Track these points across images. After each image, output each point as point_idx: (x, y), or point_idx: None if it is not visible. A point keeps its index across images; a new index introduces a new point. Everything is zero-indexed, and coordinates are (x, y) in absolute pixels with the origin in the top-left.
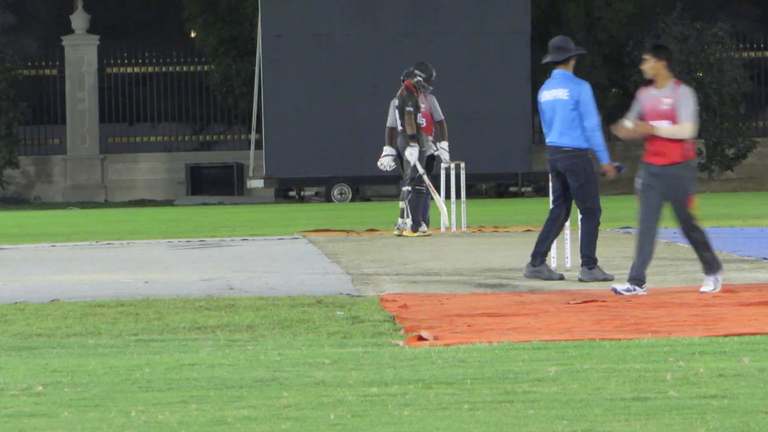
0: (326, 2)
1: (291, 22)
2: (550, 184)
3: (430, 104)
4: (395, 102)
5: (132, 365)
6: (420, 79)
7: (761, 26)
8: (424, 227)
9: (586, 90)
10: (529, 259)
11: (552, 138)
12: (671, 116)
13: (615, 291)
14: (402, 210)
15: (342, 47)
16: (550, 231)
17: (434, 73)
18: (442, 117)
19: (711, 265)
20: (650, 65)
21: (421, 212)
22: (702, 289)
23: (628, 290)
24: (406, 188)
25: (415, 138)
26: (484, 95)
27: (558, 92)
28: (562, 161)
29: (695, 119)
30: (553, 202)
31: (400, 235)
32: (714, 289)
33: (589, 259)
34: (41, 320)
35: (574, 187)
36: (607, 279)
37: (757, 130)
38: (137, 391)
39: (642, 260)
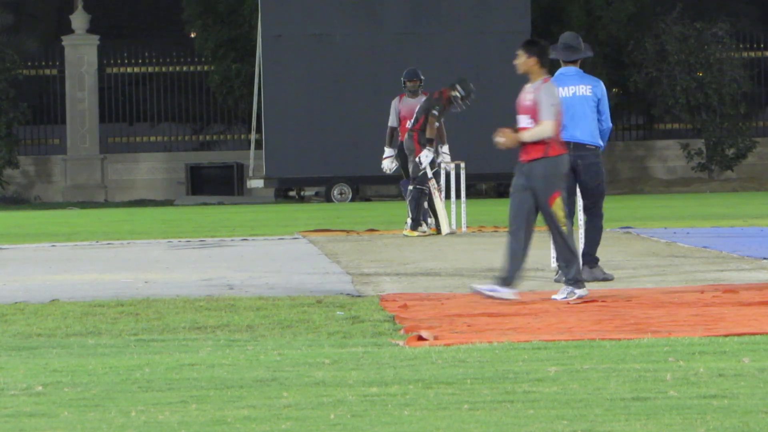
0: (326, 2)
1: (291, 22)
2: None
3: None
4: (410, 102)
5: (132, 365)
6: (458, 95)
7: (761, 26)
8: (424, 227)
9: (604, 88)
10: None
11: (573, 135)
12: (531, 112)
13: (475, 290)
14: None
15: (342, 47)
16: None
17: (473, 96)
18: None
19: (562, 267)
20: (521, 61)
21: (422, 212)
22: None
23: (492, 290)
24: (410, 187)
25: (432, 143)
26: (484, 95)
27: (578, 89)
28: (587, 158)
29: (555, 116)
30: (568, 198)
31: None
32: (489, 293)
33: (591, 258)
34: (41, 320)
35: (592, 185)
36: (606, 279)
37: (757, 130)
38: (137, 391)
39: (514, 265)
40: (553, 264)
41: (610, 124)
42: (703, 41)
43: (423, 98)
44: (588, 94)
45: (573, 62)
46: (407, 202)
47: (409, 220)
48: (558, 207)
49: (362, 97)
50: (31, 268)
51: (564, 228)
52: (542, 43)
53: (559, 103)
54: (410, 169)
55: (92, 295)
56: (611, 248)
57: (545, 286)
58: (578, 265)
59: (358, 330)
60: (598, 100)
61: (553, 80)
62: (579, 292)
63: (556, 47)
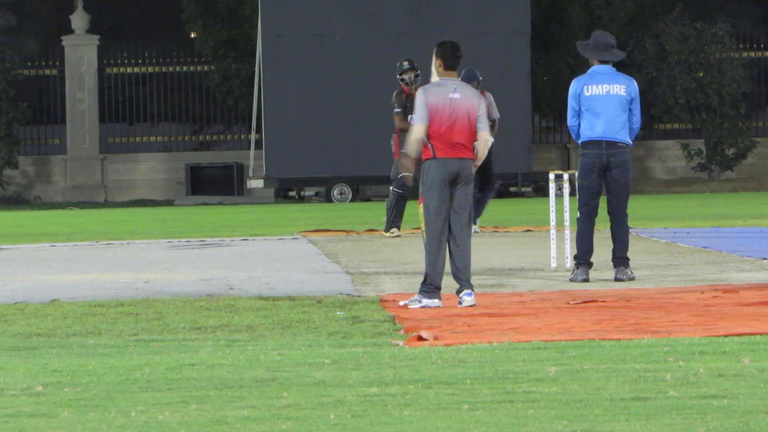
0: (326, 2)
1: (291, 22)
2: (584, 183)
3: (488, 102)
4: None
5: (132, 365)
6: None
7: (761, 26)
8: (395, 230)
9: (637, 87)
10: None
11: (605, 133)
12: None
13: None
14: None
15: (342, 47)
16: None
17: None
18: (498, 116)
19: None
20: (432, 62)
21: (397, 213)
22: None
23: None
24: (391, 188)
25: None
26: None
27: (612, 87)
28: (619, 156)
29: (422, 120)
30: (592, 199)
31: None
32: (413, 304)
33: (624, 260)
34: (41, 320)
35: (623, 182)
36: (631, 279)
37: (757, 130)
38: (137, 391)
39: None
40: (554, 264)
41: (640, 124)
42: (703, 41)
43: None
44: (622, 93)
45: (607, 60)
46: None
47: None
48: (420, 213)
49: (362, 98)
50: (31, 268)
51: (423, 234)
52: (446, 44)
53: (433, 105)
54: (391, 172)
55: (92, 295)
56: (612, 248)
57: (545, 287)
58: (431, 274)
59: (358, 330)
60: (632, 99)
61: (586, 77)
62: (425, 301)
63: (587, 45)
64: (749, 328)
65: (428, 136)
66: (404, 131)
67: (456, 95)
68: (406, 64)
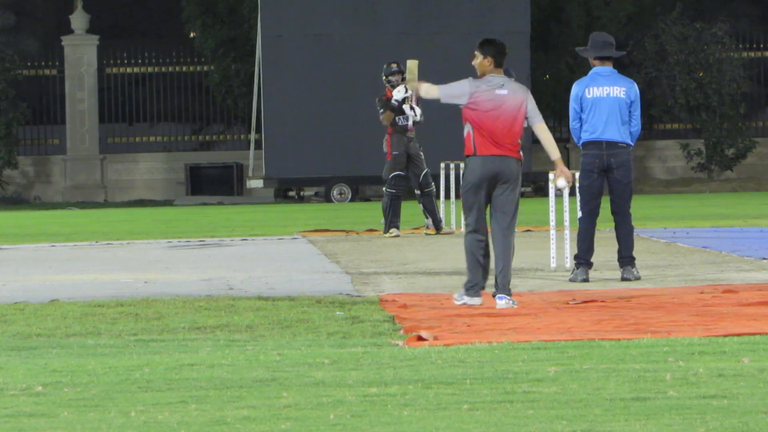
0: (326, 2)
1: (291, 22)
2: (584, 183)
3: None
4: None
5: (132, 365)
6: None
7: (761, 26)
8: (394, 230)
9: (637, 90)
10: (577, 262)
11: (606, 135)
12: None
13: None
14: (423, 211)
15: (342, 47)
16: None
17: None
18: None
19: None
20: (478, 62)
21: (394, 213)
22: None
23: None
24: (417, 192)
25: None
26: None
27: (612, 89)
28: (620, 156)
29: (443, 91)
30: (594, 199)
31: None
32: (462, 302)
33: (629, 259)
34: (41, 320)
35: (625, 182)
36: (638, 278)
37: (757, 130)
38: (137, 391)
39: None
40: (554, 264)
41: (640, 127)
42: (702, 41)
43: None
44: (621, 96)
45: (606, 60)
46: (420, 206)
47: (429, 221)
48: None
49: (362, 98)
50: (31, 268)
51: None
52: (494, 42)
53: (476, 96)
54: (383, 172)
55: (92, 295)
56: (612, 248)
57: (545, 287)
58: (474, 274)
59: (358, 330)
60: (631, 102)
61: (587, 79)
62: (466, 299)
63: (586, 47)
64: (749, 328)
65: (473, 129)
66: (396, 131)
67: (503, 91)
68: (394, 66)
